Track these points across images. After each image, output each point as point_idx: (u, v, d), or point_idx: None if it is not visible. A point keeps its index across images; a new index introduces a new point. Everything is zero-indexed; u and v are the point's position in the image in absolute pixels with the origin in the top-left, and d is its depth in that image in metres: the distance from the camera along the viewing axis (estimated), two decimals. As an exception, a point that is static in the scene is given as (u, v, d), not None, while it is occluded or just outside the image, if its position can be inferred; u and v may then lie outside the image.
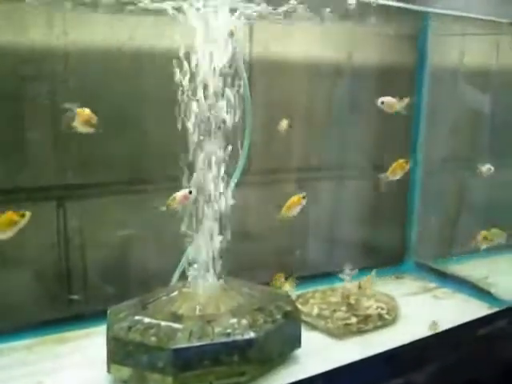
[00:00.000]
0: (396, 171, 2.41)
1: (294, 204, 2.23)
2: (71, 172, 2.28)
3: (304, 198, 2.23)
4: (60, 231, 2.29)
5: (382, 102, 2.25)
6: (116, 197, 2.39)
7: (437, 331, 2.24)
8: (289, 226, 2.67)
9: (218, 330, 1.86)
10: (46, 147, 2.23)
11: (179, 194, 2.00)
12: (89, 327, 2.27)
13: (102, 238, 2.37)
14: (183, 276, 2.26)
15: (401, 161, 2.42)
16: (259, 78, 2.47)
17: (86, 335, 2.24)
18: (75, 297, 2.32)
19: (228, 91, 2.03)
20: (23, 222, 1.76)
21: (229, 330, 1.86)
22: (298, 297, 2.45)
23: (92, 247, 2.35)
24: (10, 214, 1.74)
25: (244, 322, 1.90)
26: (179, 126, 2.01)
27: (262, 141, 2.54)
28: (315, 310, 2.33)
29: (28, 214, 1.75)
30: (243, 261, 2.19)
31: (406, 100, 2.27)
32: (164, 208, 2.00)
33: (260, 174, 2.66)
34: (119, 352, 1.85)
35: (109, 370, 1.88)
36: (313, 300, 2.43)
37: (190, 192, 1.99)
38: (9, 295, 2.19)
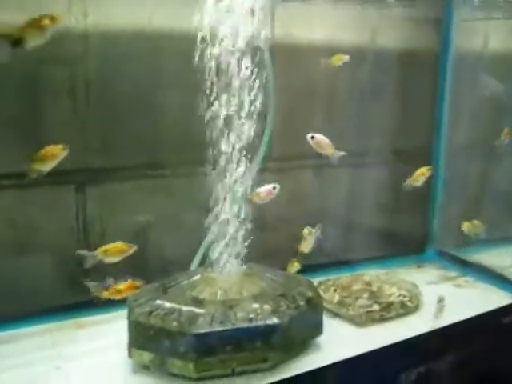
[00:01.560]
0: (419, 178, 2.47)
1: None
2: (91, 156, 2.26)
3: (275, 188, 2.15)
4: (79, 216, 2.26)
5: (313, 137, 2.14)
6: (135, 181, 2.36)
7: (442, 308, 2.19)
8: (307, 213, 2.65)
9: (240, 315, 1.83)
10: (64, 130, 2.20)
11: (263, 190, 1.98)
12: (107, 312, 2.24)
13: (120, 224, 2.33)
14: (203, 261, 2.24)
15: (423, 168, 2.47)
16: (280, 62, 2.43)
17: (104, 320, 2.22)
18: (90, 283, 2.28)
19: (251, 75, 1.99)
20: (131, 251, 1.99)
21: (251, 316, 1.83)
22: (320, 284, 2.41)
23: (111, 232, 2.32)
24: (120, 245, 1.96)
25: (267, 307, 1.87)
26: (201, 110, 1.96)
27: (280, 126, 2.50)
28: (336, 297, 2.30)
29: (135, 247, 1.98)
30: (260, 247, 2.15)
31: (340, 153, 2.21)
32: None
33: (278, 161, 2.63)
34: (140, 337, 1.83)
35: (130, 355, 1.87)
36: (334, 287, 2.39)
37: (274, 188, 1.97)
38: (27, 280, 2.17)
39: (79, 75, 2.19)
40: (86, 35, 2.18)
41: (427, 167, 2.44)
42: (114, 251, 1.93)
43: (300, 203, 2.68)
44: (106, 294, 1.84)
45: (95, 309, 2.23)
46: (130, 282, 1.82)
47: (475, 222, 2.61)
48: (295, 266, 2.40)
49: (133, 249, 1.96)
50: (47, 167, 1.81)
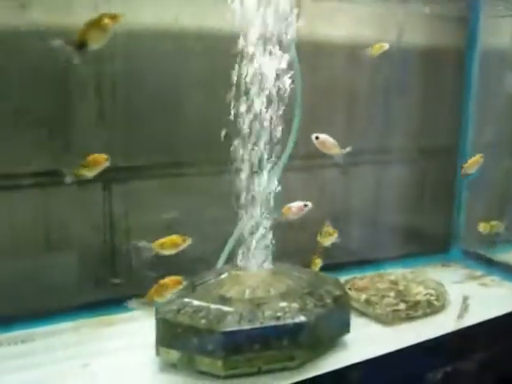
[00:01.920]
0: (473, 165, 2.41)
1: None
2: (117, 155, 2.26)
3: (306, 206, 2.13)
4: (105, 214, 2.27)
5: (317, 138, 2.06)
6: (160, 180, 2.37)
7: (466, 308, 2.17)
8: (331, 212, 2.64)
9: (268, 313, 1.83)
10: (92, 129, 2.21)
11: (295, 205, 1.98)
12: (133, 310, 2.23)
13: (145, 221, 2.34)
14: (229, 259, 2.24)
15: (478, 156, 2.40)
16: (305, 60, 2.42)
17: (131, 318, 2.23)
18: (116, 280, 2.29)
19: (277, 74, 1.98)
20: (185, 244, 1.93)
21: (279, 314, 1.83)
22: (346, 282, 2.41)
23: (136, 230, 2.33)
24: (176, 238, 1.91)
25: (294, 305, 1.87)
26: (226, 109, 1.96)
27: (304, 124, 2.49)
28: (363, 296, 2.29)
29: (189, 239, 1.92)
30: (285, 246, 2.15)
31: (347, 149, 2.12)
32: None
33: (303, 159, 2.62)
34: (168, 335, 1.83)
35: (157, 353, 1.87)
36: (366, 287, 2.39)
37: (306, 205, 1.96)
38: (55, 277, 2.19)
39: (106, 75, 2.20)
40: (112, 35, 2.18)
41: (481, 154, 2.40)
42: (169, 244, 1.90)
43: (325, 202, 2.67)
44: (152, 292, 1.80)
45: (122, 306, 2.23)
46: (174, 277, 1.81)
47: (493, 222, 2.57)
48: (317, 263, 2.38)
49: (188, 242, 1.92)
50: (92, 173, 1.85)
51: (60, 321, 2.18)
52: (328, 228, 2.21)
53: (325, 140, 2.04)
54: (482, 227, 2.54)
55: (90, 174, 1.84)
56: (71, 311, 2.20)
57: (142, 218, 2.34)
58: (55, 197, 2.19)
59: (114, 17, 1.55)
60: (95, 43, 1.53)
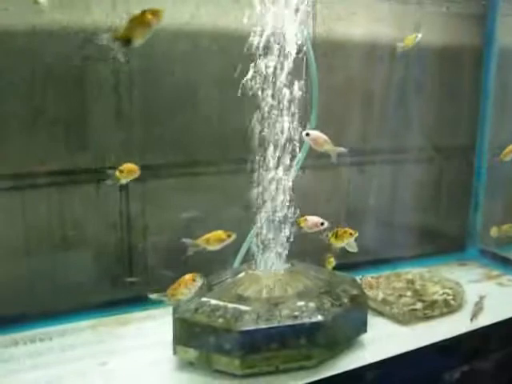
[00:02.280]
0: (508, 154, 2.38)
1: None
2: (134, 153, 2.27)
3: (322, 224, 2.08)
4: (122, 212, 2.28)
5: (308, 134, 1.96)
6: (177, 179, 2.37)
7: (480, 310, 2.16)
8: (346, 211, 2.64)
9: (285, 312, 1.83)
10: (109, 128, 2.21)
11: (310, 220, 1.96)
12: (149, 309, 2.25)
13: (162, 220, 2.34)
14: (245, 259, 2.24)
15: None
16: (321, 59, 2.42)
17: (147, 317, 2.24)
18: (133, 279, 2.30)
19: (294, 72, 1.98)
20: (229, 240, 1.90)
21: (296, 313, 1.83)
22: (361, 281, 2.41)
23: (153, 229, 2.33)
24: (220, 233, 1.89)
25: (311, 305, 1.87)
26: (243, 108, 1.96)
27: (320, 123, 2.48)
28: (380, 295, 2.28)
29: (234, 235, 1.90)
30: (301, 245, 2.15)
31: (340, 149, 2.02)
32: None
33: (319, 158, 2.61)
34: (185, 334, 1.84)
35: (175, 352, 1.87)
36: (377, 285, 2.38)
37: (322, 224, 1.95)
38: (71, 275, 2.19)
39: (123, 73, 2.20)
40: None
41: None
42: (214, 239, 1.89)
43: (341, 200, 2.67)
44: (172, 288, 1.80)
45: (138, 305, 2.25)
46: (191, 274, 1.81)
47: (505, 226, 2.55)
48: (331, 262, 2.37)
49: (232, 237, 1.90)
50: (125, 180, 1.93)
51: (77, 319, 2.18)
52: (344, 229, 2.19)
53: (316, 137, 1.96)
54: (493, 232, 2.52)
55: (124, 180, 1.91)
56: (88, 310, 2.21)
57: (158, 217, 2.33)
58: (72, 196, 2.20)
59: (156, 12, 1.54)
60: (139, 39, 1.53)
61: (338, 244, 1.98)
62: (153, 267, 2.33)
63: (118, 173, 1.92)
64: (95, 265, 2.27)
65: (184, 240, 1.88)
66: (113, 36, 1.51)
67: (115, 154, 2.25)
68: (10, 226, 2.13)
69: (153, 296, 1.76)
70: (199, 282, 1.76)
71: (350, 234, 1.99)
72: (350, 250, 2.06)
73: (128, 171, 1.94)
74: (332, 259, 2.37)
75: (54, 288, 2.16)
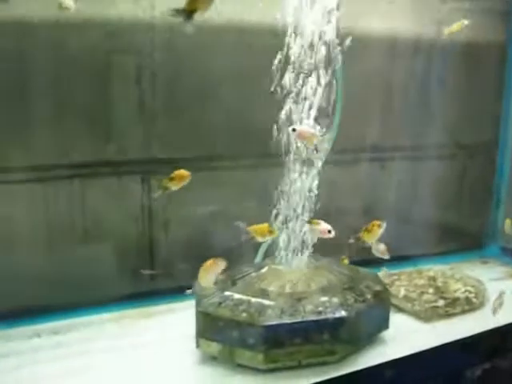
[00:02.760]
0: None
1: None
2: (155, 147, 2.27)
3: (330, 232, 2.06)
4: (144, 206, 2.28)
5: (294, 130, 1.89)
6: (198, 173, 2.36)
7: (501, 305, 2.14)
8: (366, 207, 2.63)
9: (309, 307, 1.83)
10: (131, 121, 2.22)
11: (323, 225, 1.95)
12: (171, 302, 2.26)
13: (183, 214, 2.34)
14: (266, 254, 2.24)
15: None
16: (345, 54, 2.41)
17: (169, 310, 2.24)
18: (149, 271, 2.30)
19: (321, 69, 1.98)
20: (270, 237, 1.91)
21: (320, 308, 1.83)
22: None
23: (174, 223, 2.33)
24: (266, 227, 1.89)
25: (335, 300, 1.87)
26: (265, 103, 1.95)
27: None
28: (402, 292, 2.27)
29: (277, 232, 1.91)
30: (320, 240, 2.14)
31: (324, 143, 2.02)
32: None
33: (339, 154, 2.60)
34: (209, 328, 1.84)
35: (197, 346, 1.87)
36: (399, 282, 2.37)
37: (330, 231, 1.94)
38: (93, 268, 2.20)
39: (146, 66, 2.20)
40: (152, 27, 2.19)
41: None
42: (260, 231, 1.88)
43: (361, 196, 2.66)
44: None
45: (159, 298, 2.25)
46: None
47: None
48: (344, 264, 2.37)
49: (274, 234, 1.91)
50: (176, 187, 1.89)
51: (99, 312, 2.20)
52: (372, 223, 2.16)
53: (303, 131, 1.91)
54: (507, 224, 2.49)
55: (174, 187, 1.87)
56: (110, 302, 2.22)
57: (179, 210, 2.33)
58: (94, 188, 2.20)
59: None
60: (203, 10, 1.53)
61: (370, 239, 1.95)
62: (173, 261, 2.32)
63: (166, 181, 1.88)
64: (116, 257, 2.27)
65: (238, 223, 1.87)
66: (175, 9, 1.49)
67: (137, 146, 2.26)
68: (33, 218, 2.14)
69: (188, 292, 1.80)
70: (222, 265, 1.76)
71: (378, 225, 1.97)
72: (380, 255, 2.05)
73: (179, 178, 1.89)
74: (346, 260, 2.36)
75: (76, 280, 2.16)
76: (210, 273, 1.76)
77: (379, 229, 1.95)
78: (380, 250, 2.04)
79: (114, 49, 2.14)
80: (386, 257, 2.03)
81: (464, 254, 2.78)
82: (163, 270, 2.32)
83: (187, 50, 2.24)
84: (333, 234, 1.91)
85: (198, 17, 2.17)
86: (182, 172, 1.87)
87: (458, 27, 2.26)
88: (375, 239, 1.99)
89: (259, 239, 1.89)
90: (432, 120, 2.76)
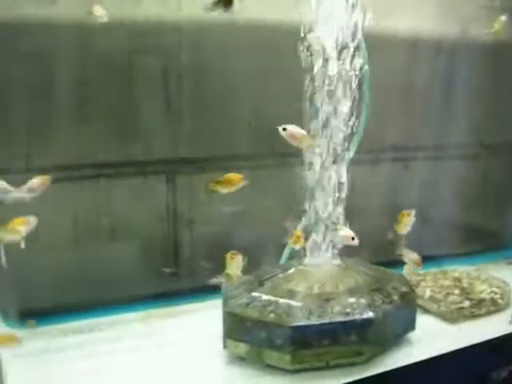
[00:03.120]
0: None
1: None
2: (181, 147, 2.28)
3: (353, 239, 2.02)
4: (169, 206, 2.29)
5: (284, 129, 1.84)
6: (223, 172, 2.37)
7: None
8: (389, 208, 2.62)
9: (336, 308, 1.83)
10: (157, 121, 2.22)
11: (347, 232, 1.96)
12: (196, 302, 2.26)
13: (208, 213, 2.34)
14: (291, 255, 2.24)
15: None
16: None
17: (195, 309, 2.25)
18: (169, 270, 2.31)
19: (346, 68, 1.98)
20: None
21: (348, 310, 1.82)
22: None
23: (198, 223, 2.34)
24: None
25: (363, 301, 1.86)
26: (294, 102, 1.95)
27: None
28: (427, 293, 2.27)
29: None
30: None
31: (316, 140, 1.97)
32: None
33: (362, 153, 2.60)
34: (236, 328, 1.84)
35: (225, 346, 1.88)
36: (424, 283, 2.37)
37: (353, 238, 1.95)
38: (117, 267, 2.21)
39: (172, 67, 2.21)
40: (179, 27, 2.19)
41: None
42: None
43: (385, 196, 2.66)
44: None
45: (185, 298, 2.26)
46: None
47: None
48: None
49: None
50: (225, 191, 1.90)
51: (124, 311, 2.20)
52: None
53: (293, 131, 1.87)
54: None
55: (223, 190, 1.89)
56: (135, 302, 2.22)
57: (204, 210, 2.34)
58: (120, 188, 2.21)
59: None
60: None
61: (402, 229, 2.05)
62: (198, 260, 2.33)
63: (213, 184, 1.89)
64: (141, 257, 2.28)
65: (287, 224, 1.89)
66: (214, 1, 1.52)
67: (163, 146, 2.27)
68: (59, 217, 2.15)
69: (212, 281, 1.84)
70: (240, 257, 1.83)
71: (407, 214, 1.96)
72: (413, 266, 2.06)
73: (228, 181, 1.90)
74: None
75: (101, 279, 2.17)
76: (237, 261, 1.82)
77: (409, 217, 1.98)
78: (414, 260, 2.05)
79: (141, 49, 2.15)
80: (419, 268, 2.04)
81: (489, 255, 2.77)
82: (187, 270, 2.33)
83: (213, 51, 2.25)
84: (356, 241, 1.92)
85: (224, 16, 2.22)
86: (232, 175, 1.89)
87: (499, 24, 2.25)
88: (407, 229, 2.06)
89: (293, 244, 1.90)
90: (456, 120, 2.74)
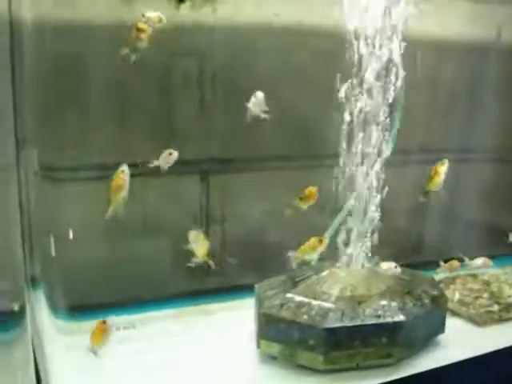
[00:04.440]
0: None
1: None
2: (214, 147, 2.31)
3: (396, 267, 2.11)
4: (202, 205, 2.32)
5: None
6: (256, 172, 2.41)
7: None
8: (416, 211, 2.64)
9: (368, 311, 1.86)
10: (191, 121, 2.25)
11: (387, 265, 2.06)
12: (227, 301, 2.30)
13: (241, 213, 2.38)
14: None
15: None
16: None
17: (227, 308, 2.29)
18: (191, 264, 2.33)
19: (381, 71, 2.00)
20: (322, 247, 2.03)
21: (379, 312, 1.86)
22: (439, 282, 2.42)
23: (230, 221, 2.38)
24: (313, 240, 2.02)
25: (394, 304, 1.90)
26: (323, 105, 1.98)
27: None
28: (457, 296, 2.30)
29: (326, 241, 2.02)
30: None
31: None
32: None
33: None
34: (270, 329, 1.88)
35: (258, 346, 1.92)
36: (453, 286, 2.39)
37: (396, 267, 2.02)
38: (155, 265, 2.25)
39: (207, 67, 2.23)
40: (213, 29, 2.22)
41: None
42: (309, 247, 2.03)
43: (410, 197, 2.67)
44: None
45: (217, 296, 2.30)
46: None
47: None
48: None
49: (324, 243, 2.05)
50: (306, 205, 2.01)
51: (157, 308, 2.24)
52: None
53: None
54: None
55: (304, 205, 1.99)
56: (167, 299, 2.26)
57: (236, 209, 2.37)
58: (154, 186, 2.25)
59: None
60: None
61: (435, 186, 2.10)
62: (229, 259, 2.37)
63: (297, 201, 1.99)
64: (174, 255, 2.31)
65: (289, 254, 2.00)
66: None
67: (196, 146, 2.30)
68: (95, 214, 2.18)
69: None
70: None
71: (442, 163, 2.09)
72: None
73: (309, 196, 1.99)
74: None
75: (135, 277, 2.21)
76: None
77: (442, 166, 2.07)
78: (480, 264, 2.08)
79: (177, 50, 2.18)
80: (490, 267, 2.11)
81: (515, 259, 2.78)
82: (220, 268, 2.36)
83: (247, 52, 2.28)
84: (399, 269, 1.96)
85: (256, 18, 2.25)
86: (312, 189, 1.99)
87: None
88: (441, 182, 2.10)
89: (312, 256, 1.94)
90: (485, 123, 2.75)
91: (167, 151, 1.84)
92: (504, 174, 2.88)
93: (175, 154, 1.84)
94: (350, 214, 2.09)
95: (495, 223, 2.92)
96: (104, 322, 1.86)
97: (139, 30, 1.75)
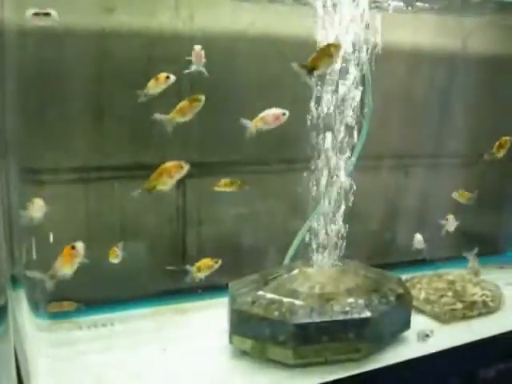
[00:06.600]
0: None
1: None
2: (191, 151, 2.37)
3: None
4: (179, 207, 2.39)
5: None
6: (231, 176, 2.47)
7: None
8: (386, 213, 2.73)
9: (336, 308, 1.94)
10: (169, 126, 2.31)
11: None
12: (203, 300, 2.37)
13: (215, 215, 2.45)
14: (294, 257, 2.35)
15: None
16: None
17: (201, 307, 2.36)
18: (171, 267, 2.40)
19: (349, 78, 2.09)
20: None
21: (347, 309, 1.94)
22: (405, 281, 2.50)
23: (206, 222, 2.45)
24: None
25: (361, 301, 1.98)
26: (297, 111, 2.06)
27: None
28: (422, 295, 2.38)
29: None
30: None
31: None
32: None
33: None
34: (242, 324, 1.96)
35: (231, 341, 2.00)
36: (419, 285, 2.48)
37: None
38: (131, 265, 2.30)
39: (184, 75, 2.30)
40: (191, 37, 2.29)
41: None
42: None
43: (384, 202, 2.76)
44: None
45: (192, 296, 2.36)
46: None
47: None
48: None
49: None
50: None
51: (135, 307, 2.32)
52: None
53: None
54: None
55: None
56: (145, 298, 2.34)
57: (211, 211, 2.45)
58: (132, 190, 2.30)
59: (337, 46, 1.86)
60: (323, 68, 1.84)
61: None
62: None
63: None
64: (151, 256, 2.38)
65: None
66: (300, 65, 1.77)
67: (174, 151, 2.36)
68: (73, 215, 2.25)
69: None
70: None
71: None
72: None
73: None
74: None
75: (113, 276, 2.27)
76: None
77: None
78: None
79: (155, 58, 2.24)
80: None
81: (483, 259, 2.85)
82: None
83: (224, 60, 2.34)
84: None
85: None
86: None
87: None
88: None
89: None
90: (456, 130, 2.85)
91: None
92: (472, 177, 2.97)
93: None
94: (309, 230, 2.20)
95: (464, 226, 3.00)
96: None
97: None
